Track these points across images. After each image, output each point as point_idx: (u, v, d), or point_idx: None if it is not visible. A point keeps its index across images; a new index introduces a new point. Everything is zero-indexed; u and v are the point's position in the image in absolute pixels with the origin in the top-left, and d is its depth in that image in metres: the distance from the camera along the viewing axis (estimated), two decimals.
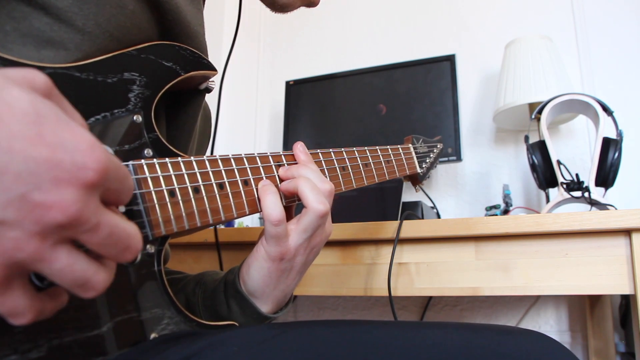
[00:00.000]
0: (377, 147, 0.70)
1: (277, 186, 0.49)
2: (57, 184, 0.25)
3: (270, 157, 0.52)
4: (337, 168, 0.61)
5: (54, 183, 0.24)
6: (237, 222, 1.50)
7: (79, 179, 0.25)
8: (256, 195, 0.47)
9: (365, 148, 0.68)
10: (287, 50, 1.86)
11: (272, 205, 0.46)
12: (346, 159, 0.63)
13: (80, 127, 0.27)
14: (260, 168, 0.50)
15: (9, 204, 0.24)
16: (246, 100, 1.86)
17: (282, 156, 0.54)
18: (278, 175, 0.50)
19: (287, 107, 1.58)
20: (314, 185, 0.48)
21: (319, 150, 0.59)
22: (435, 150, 0.85)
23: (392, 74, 1.47)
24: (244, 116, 1.86)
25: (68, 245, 0.26)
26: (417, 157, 0.79)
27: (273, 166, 0.52)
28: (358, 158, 0.65)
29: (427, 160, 0.82)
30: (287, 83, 1.60)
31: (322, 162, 0.59)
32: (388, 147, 0.72)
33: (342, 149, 0.63)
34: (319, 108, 1.55)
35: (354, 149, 0.65)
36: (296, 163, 0.53)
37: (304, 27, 1.84)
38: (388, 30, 1.71)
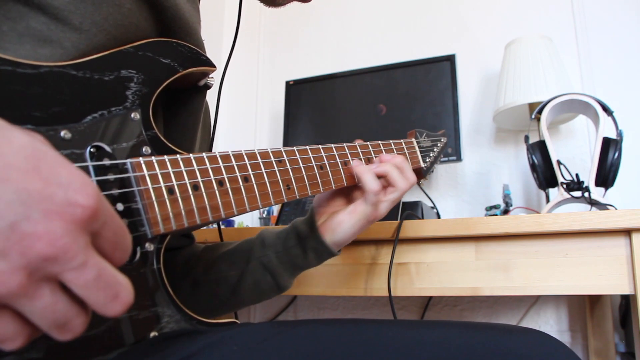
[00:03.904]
0: (379, 142, 0.70)
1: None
2: (47, 216, 0.24)
3: (270, 152, 0.52)
4: (339, 163, 0.61)
5: (44, 215, 0.24)
6: (237, 222, 1.50)
7: (69, 214, 0.25)
8: (354, 173, 0.62)
9: (368, 143, 0.67)
10: (287, 50, 1.86)
11: (372, 180, 0.60)
12: (348, 154, 0.63)
13: (78, 168, 0.27)
14: (261, 164, 0.50)
15: None
16: (246, 100, 1.86)
17: (283, 152, 0.53)
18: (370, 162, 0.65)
19: (287, 107, 1.58)
20: (399, 172, 0.62)
21: (320, 146, 0.59)
22: (439, 145, 0.84)
23: (392, 74, 1.47)
24: (244, 116, 1.86)
25: (52, 284, 0.26)
26: (421, 152, 0.78)
27: (274, 162, 0.52)
28: (360, 153, 0.65)
29: (431, 155, 0.81)
30: (287, 83, 1.60)
31: (324, 157, 0.59)
32: (391, 141, 0.72)
33: (344, 144, 0.63)
34: (319, 108, 1.55)
35: (357, 144, 0.65)
36: (294, 157, 0.56)
37: (304, 27, 1.84)
38: (388, 30, 1.71)
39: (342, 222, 0.61)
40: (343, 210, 0.62)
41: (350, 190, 0.65)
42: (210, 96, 0.67)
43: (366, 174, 0.60)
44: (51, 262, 0.25)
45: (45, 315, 0.26)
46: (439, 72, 1.41)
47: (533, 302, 1.39)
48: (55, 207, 0.25)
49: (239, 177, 0.47)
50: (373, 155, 0.67)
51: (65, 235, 0.25)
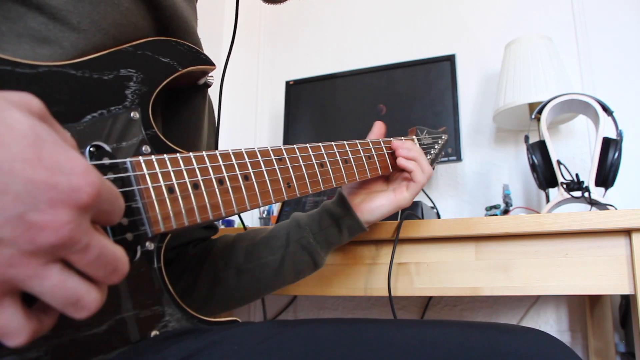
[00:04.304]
0: (380, 140, 0.70)
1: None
2: (53, 205, 0.25)
3: (270, 151, 0.52)
4: (340, 160, 0.61)
5: (50, 204, 0.25)
6: (237, 223, 1.49)
7: (73, 201, 0.26)
8: (401, 166, 0.68)
9: (369, 140, 0.67)
10: (287, 50, 1.86)
11: (421, 173, 0.67)
12: (348, 152, 0.62)
13: (75, 151, 0.28)
14: (261, 162, 0.50)
15: (6, 223, 0.24)
16: (246, 99, 1.86)
17: (283, 150, 0.53)
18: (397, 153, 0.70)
19: (287, 107, 1.58)
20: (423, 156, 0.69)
21: (320, 144, 0.59)
22: (440, 142, 0.83)
23: (392, 74, 1.47)
24: (244, 116, 1.86)
25: (60, 264, 0.27)
26: (422, 149, 0.78)
27: (274, 160, 0.52)
28: (361, 150, 0.65)
29: (432, 152, 0.81)
30: (287, 83, 1.60)
31: (324, 154, 0.59)
32: (391, 139, 0.72)
33: (345, 142, 0.63)
34: (319, 108, 1.55)
35: (357, 141, 0.65)
36: (294, 155, 0.57)
37: (304, 27, 1.84)
38: (388, 30, 1.71)
39: (382, 206, 0.67)
40: (384, 195, 0.68)
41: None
42: (213, 97, 0.68)
43: (417, 168, 0.66)
44: (57, 247, 0.26)
45: (57, 294, 0.27)
46: (439, 72, 1.41)
47: (533, 302, 1.39)
48: (61, 196, 0.26)
49: (239, 176, 0.47)
50: (374, 152, 0.67)
51: (71, 221, 0.26)
